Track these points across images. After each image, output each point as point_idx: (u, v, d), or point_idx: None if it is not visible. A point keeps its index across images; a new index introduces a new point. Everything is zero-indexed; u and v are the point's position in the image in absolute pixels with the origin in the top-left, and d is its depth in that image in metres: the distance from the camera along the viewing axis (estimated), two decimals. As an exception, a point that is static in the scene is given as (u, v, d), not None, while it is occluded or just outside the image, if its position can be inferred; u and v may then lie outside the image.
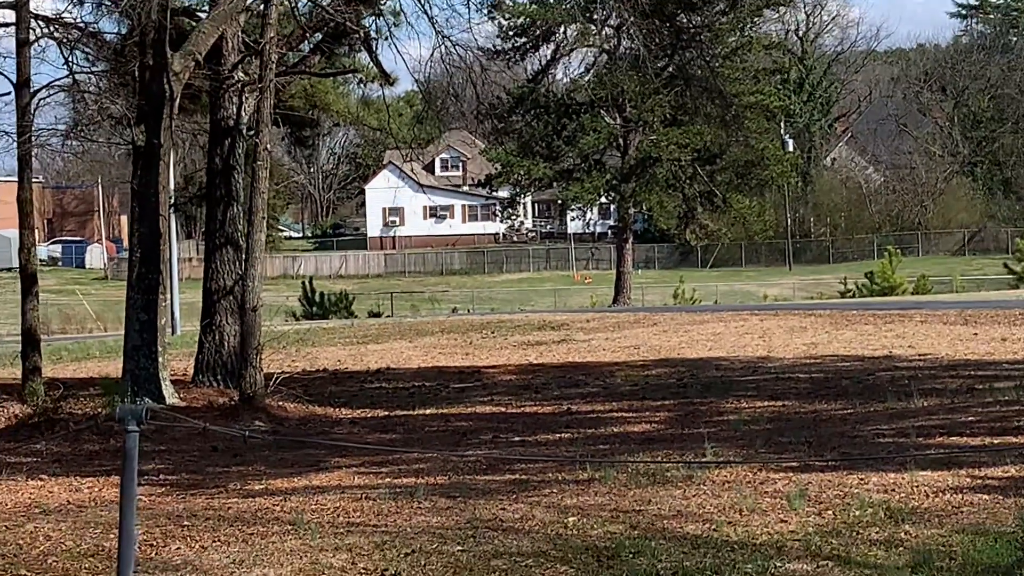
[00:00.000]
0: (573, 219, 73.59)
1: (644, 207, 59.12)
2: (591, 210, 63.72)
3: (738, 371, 24.63)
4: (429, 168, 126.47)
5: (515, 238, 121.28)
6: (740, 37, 54.60)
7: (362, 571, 9.86)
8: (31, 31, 23.55)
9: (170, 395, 21.02)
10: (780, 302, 60.93)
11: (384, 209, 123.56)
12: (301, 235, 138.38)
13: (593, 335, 34.67)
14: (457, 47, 24.21)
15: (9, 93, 24.47)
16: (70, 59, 24.60)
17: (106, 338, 47.22)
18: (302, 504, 12.63)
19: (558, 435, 17.61)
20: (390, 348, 33.98)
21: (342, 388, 25.08)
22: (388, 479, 14.14)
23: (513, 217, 66.46)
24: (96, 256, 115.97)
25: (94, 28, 24.91)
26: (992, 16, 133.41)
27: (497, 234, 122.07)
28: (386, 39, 25.29)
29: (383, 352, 32.85)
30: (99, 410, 20.49)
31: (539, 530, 10.92)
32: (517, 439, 17.48)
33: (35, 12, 24.03)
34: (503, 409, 20.99)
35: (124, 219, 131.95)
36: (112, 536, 11.40)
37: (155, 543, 11.10)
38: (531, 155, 57.11)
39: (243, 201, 24.07)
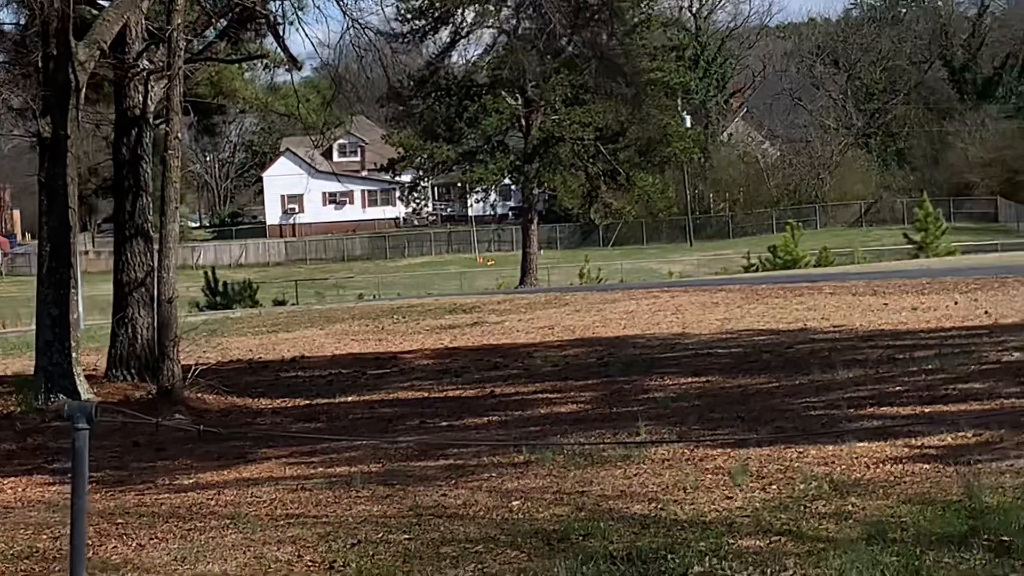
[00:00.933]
0: (477, 201, 73.42)
1: (548, 187, 58.99)
2: (493, 192, 63.56)
3: (656, 348, 24.60)
4: (327, 154, 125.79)
5: (416, 222, 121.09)
6: (638, 13, 54.58)
7: (309, 564, 9.67)
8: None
9: (85, 391, 20.62)
10: (686, 279, 61.21)
11: (283, 196, 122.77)
12: (198, 224, 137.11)
13: (505, 317, 34.55)
14: (367, 30, 23.98)
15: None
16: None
17: (7, 335, 46.57)
18: (237, 497, 12.41)
19: (486, 418, 17.46)
20: (301, 336, 33.66)
21: (258, 378, 24.76)
22: (321, 468, 13.95)
23: (417, 201, 66.17)
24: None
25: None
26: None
27: (398, 219, 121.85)
28: (291, 23, 24.96)
29: (295, 340, 32.53)
30: (13, 408, 20.11)
31: (484, 515, 10.78)
32: (444, 424, 17.31)
33: (-69, 4, 23.52)
34: (425, 394, 20.80)
35: (17, 214, 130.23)
36: (44, 536, 11.18)
37: (90, 542, 10.79)
38: (434, 138, 56.87)
39: (152, 191, 23.70)
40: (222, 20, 24.55)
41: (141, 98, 23.17)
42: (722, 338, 25.52)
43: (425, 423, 17.60)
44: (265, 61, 28.36)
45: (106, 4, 22.45)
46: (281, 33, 24.58)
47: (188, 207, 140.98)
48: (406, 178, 66.40)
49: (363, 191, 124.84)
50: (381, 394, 21.29)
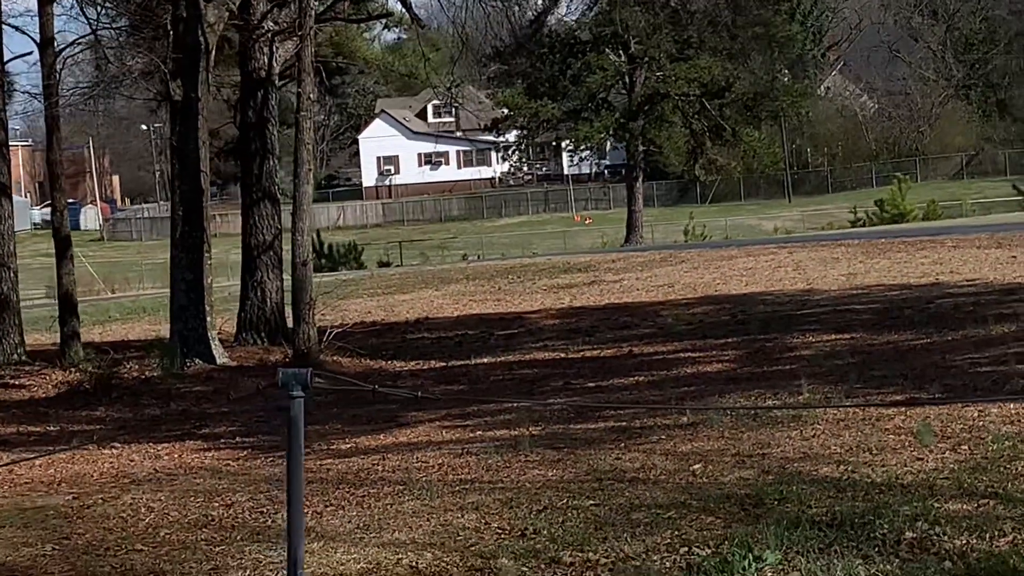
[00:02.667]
0: (582, 160, 72.61)
1: (653, 144, 58.50)
2: (596, 150, 63.15)
3: (787, 305, 24.22)
4: (421, 115, 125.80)
5: (512, 182, 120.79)
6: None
7: (498, 531, 9.42)
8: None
9: (220, 355, 20.58)
10: (791, 235, 60.46)
11: (378, 158, 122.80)
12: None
13: (623, 275, 34.26)
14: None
15: (31, 53, 23.95)
16: (91, 16, 24.08)
17: (120, 299, 46.84)
18: (403, 462, 12.21)
19: (632, 379, 17.20)
20: (418, 297, 33.55)
21: (384, 340, 24.63)
22: (479, 432, 13.73)
23: (520, 160, 65.75)
24: (91, 218, 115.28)
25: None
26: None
27: (493, 179, 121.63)
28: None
29: (413, 302, 32.42)
30: (150, 373, 20.08)
31: (667, 480, 10.49)
32: (591, 385, 17.06)
33: (55, -31, 23.42)
34: (562, 355, 20.57)
35: (116, 179, 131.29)
36: (216, 504, 11.02)
37: (265, 511, 10.67)
38: (538, 97, 56.49)
39: (278, 154, 23.57)
40: (346, -22, 24.31)
41: (266, 60, 23.02)
42: (852, 294, 25.09)
43: (570, 384, 17.35)
44: (386, 21, 28.14)
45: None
46: (403, -9, 24.31)
47: (283, 170, 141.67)
48: (505, 138, 65.96)
49: (458, 151, 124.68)
50: (516, 355, 21.08)
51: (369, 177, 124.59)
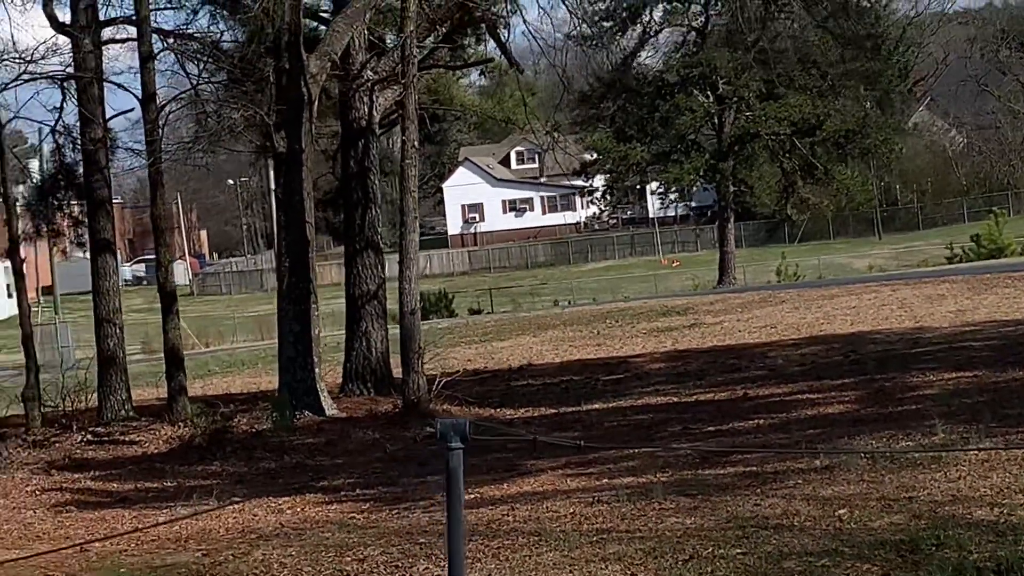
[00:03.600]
0: (672, 202, 71.99)
1: (744, 184, 58.07)
2: (686, 191, 62.79)
3: (898, 344, 23.79)
4: (505, 162, 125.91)
5: (596, 226, 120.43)
6: (830, 4, 53.40)
7: (646, 583, 9.15)
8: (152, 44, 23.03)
9: (328, 406, 20.44)
10: (886, 272, 59.75)
11: (463, 206, 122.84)
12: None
13: (722, 317, 33.88)
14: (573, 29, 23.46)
15: (132, 109, 24.05)
16: (191, 71, 24.14)
17: (216, 353, 46.91)
18: (534, 512, 11.95)
19: (751, 422, 16.87)
20: (517, 344, 33.32)
21: (489, 388, 24.39)
22: (605, 480, 13.44)
23: (610, 204, 65.49)
24: (180, 273, 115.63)
25: (213, 37, 24.36)
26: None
27: (578, 223, 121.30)
28: (505, 27, 24.57)
29: (512, 348, 32.21)
30: (262, 426, 19.94)
31: (812, 526, 10.17)
32: (711, 429, 16.74)
33: (155, 26, 23.50)
34: (674, 399, 20.27)
35: (204, 234, 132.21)
36: (349, 558, 10.84)
37: (400, 564, 10.46)
38: (626, 140, 56.24)
39: (379, 203, 23.47)
40: (444, 26, 24.22)
41: (366, 109, 22.95)
42: (965, 331, 24.59)
43: (689, 429, 17.04)
44: (484, 67, 28.09)
45: (330, 17, 22.25)
46: (501, 37, 24.21)
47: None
48: (590, 183, 65.72)
49: (542, 197, 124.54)
50: (627, 400, 20.78)
51: (454, 225, 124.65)
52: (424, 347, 20.10)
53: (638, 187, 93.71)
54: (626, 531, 10.71)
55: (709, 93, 55.56)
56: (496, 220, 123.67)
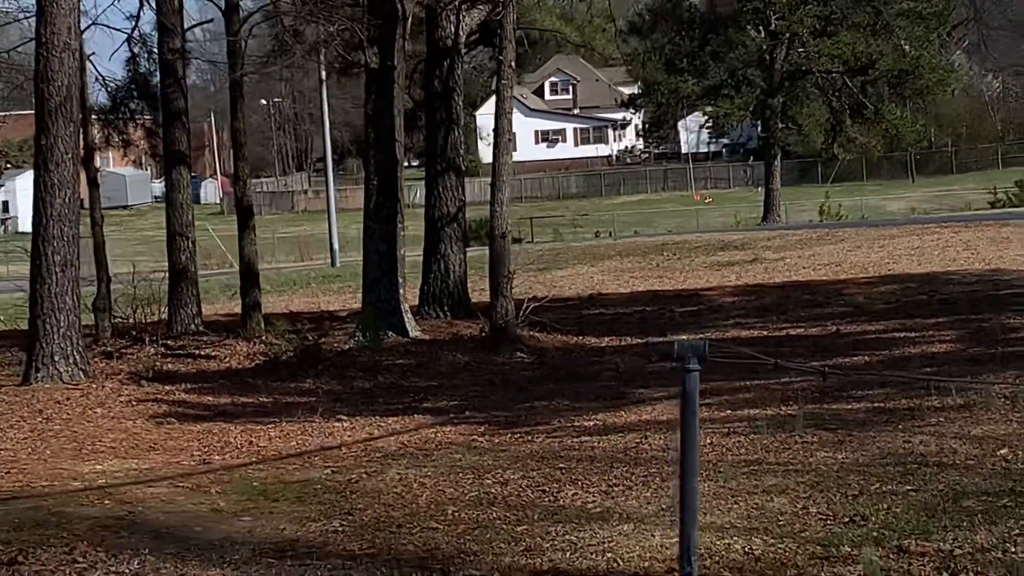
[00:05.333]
0: (717, 139, 71.30)
1: (793, 122, 57.44)
2: (727, 128, 62.13)
3: (977, 285, 23.50)
4: (539, 92, 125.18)
5: (628, 160, 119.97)
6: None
7: (819, 516, 8.87)
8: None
9: (412, 328, 20.20)
10: (928, 215, 59.34)
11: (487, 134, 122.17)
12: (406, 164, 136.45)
13: (783, 253, 33.62)
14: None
15: (211, 20, 23.72)
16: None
17: (264, 272, 46.61)
18: (667, 441, 11.70)
19: (856, 358, 16.60)
20: (576, 273, 33.10)
21: (562, 316, 24.08)
22: (727, 411, 13.22)
23: (657, 138, 64.89)
24: (211, 192, 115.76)
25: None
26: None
27: (610, 156, 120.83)
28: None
29: (573, 277, 31.98)
30: (344, 345, 19.70)
31: (977, 465, 9.91)
32: (815, 363, 16.41)
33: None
34: (763, 332, 20.00)
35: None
36: (489, 480, 10.64)
37: (546, 489, 10.21)
38: (677, 73, 55.61)
39: (462, 125, 23.16)
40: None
41: (453, 28, 22.59)
42: (1047, 275, 24.29)
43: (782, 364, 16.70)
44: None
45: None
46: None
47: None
48: (633, 114, 65.12)
49: (575, 129, 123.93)
50: (713, 332, 20.52)
51: (486, 154, 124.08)
52: (513, 271, 19.82)
53: (669, 122, 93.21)
54: (777, 463, 10.47)
55: (761, 28, 54.92)
56: (528, 150, 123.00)
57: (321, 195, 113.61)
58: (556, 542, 8.63)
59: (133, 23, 24.29)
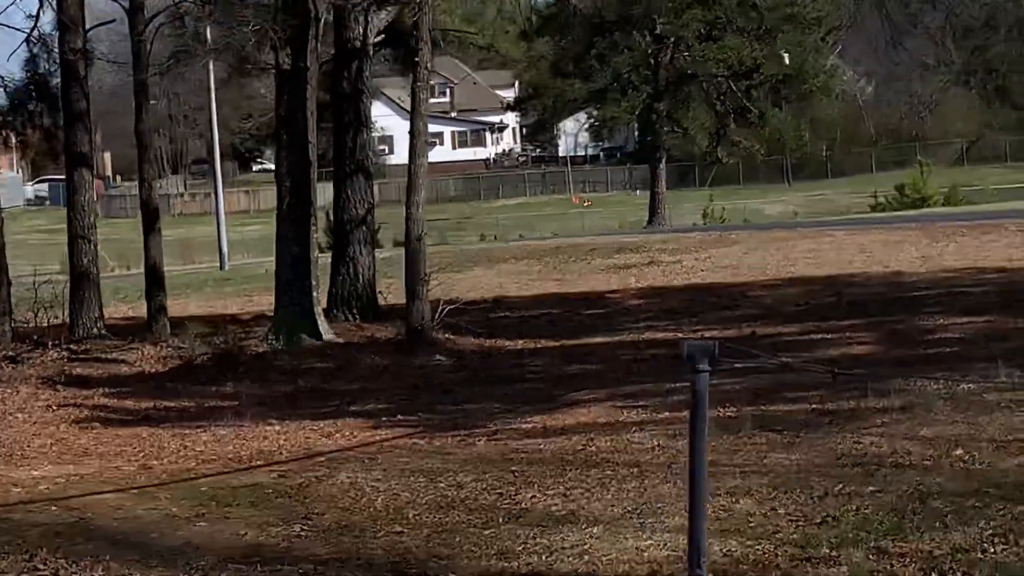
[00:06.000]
0: (600, 143, 71.53)
1: (678, 125, 57.71)
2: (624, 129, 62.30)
3: (880, 288, 23.72)
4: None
5: (506, 163, 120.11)
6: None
7: (790, 518, 8.85)
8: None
9: (326, 331, 20.00)
10: (810, 219, 59.93)
11: (374, 138, 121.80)
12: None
13: (679, 256, 33.68)
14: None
15: (113, 21, 23.39)
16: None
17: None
18: (613, 443, 11.67)
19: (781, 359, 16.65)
20: (474, 276, 32.96)
21: (471, 319, 23.98)
22: (665, 413, 13.17)
23: (544, 142, 64.92)
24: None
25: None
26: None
27: (487, 160, 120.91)
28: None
29: (471, 280, 31.81)
30: (257, 349, 19.47)
31: (935, 466, 9.96)
32: (739, 365, 16.43)
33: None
34: (676, 335, 19.99)
35: (108, 156, 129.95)
36: (443, 484, 10.52)
37: (504, 492, 10.14)
38: (563, 76, 55.73)
39: (370, 127, 23.01)
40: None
41: (361, 30, 22.43)
42: (946, 277, 24.52)
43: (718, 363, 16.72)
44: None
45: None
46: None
47: (270, 149, 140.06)
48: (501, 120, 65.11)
49: (452, 132, 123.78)
50: (629, 335, 20.52)
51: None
52: (429, 274, 19.71)
53: (545, 126, 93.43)
54: (732, 465, 10.46)
55: (647, 32, 55.15)
56: (405, 154, 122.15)
57: (197, 198, 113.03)
58: (528, 545, 8.56)
59: (33, 22, 23.82)
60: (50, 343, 20.98)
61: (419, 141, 19.11)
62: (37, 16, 23.87)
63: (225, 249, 45.62)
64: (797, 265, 29.60)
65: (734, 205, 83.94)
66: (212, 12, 21.20)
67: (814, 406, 12.84)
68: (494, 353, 19.23)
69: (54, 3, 23.20)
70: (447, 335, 20.03)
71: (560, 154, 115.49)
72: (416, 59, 19.03)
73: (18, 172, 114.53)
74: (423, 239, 19.49)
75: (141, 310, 29.79)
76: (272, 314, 20.97)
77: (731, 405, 13.20)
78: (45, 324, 22.08)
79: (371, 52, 22.55)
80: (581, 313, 23.90)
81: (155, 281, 22.39)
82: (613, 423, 12.80)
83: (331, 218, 23.37)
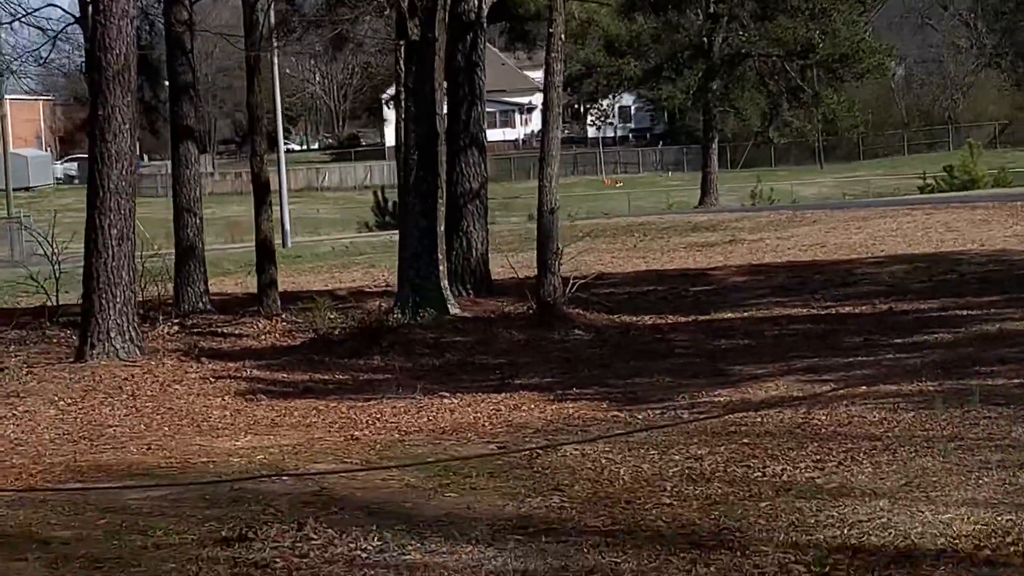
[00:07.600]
0: (656, 122, 71.06)
1: (731, 106, 57.41)
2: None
3: (992, 265, 23.40)
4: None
5: (535, 144, 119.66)
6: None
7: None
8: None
9: (452, 305, 19.73)
10: (882, 198, 59.47)
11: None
12: (303, 147, 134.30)
13: (759, 235, 33.43)
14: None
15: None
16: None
17: (218, 254, 45.85)
18: (830, 417, 11.36)
19: (935, 335, 16.36)
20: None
21: (585, 295, 23.68)
22: (862, 387, 12.88)
23: (598, 120, 64.48)
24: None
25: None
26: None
27: (517, 140, 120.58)
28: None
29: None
30: (380, 322, 19.09)
31: None
32: (897, 341, 16.17)
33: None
34: (812, 311, 19.73)
35: (136, 134, 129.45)
36: (678, 457, 10.25)
37: (749, 464, 9.85)
38: (618, 55, 55.39)
39: (485, 100, 22.74)
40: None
41: (476, 2, 22.13)
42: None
43: (869, 340, 16.49)
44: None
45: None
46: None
47: (297, 129, 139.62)
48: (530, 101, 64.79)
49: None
50: (758, 311, 20.25)
51: (391, 136, 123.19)
52: (562, 248, 19.43)
53: (575, 106, 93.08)
54: (981, 439, 10.16)
55: (700, 12, 54.84)
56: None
57: (228, 178, 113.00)
58: (820, 518, 8.27)
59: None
60: (161, 317, 20.71)
61: (552, 114, 18.80)
62: (142, -13, 23.64)
63: (288, 227, 45.43)
64: (886, 244, 29.31)
65: (772, 186, 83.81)
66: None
67: (989, 382, 12.55)
68: (627, 328, 18.93)
69: (160, -26, 22.97)
70: (577, 310, 19.75)
71: (588, 135, 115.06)
72: (551, 30, 18.71)
73: (46, 150, 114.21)
74: (556, 211, 19.19)
75: (222, 285, 29.68)
76: (391, 289, 20.74)
77: (924, 378, 12.92)
78: (159, 298, 21.80)
79: (485, 25, 22.22)
80: (690, 290, 23.63)
81: (265, 255, 22.13)
82: (809, 396, 12.51)
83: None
